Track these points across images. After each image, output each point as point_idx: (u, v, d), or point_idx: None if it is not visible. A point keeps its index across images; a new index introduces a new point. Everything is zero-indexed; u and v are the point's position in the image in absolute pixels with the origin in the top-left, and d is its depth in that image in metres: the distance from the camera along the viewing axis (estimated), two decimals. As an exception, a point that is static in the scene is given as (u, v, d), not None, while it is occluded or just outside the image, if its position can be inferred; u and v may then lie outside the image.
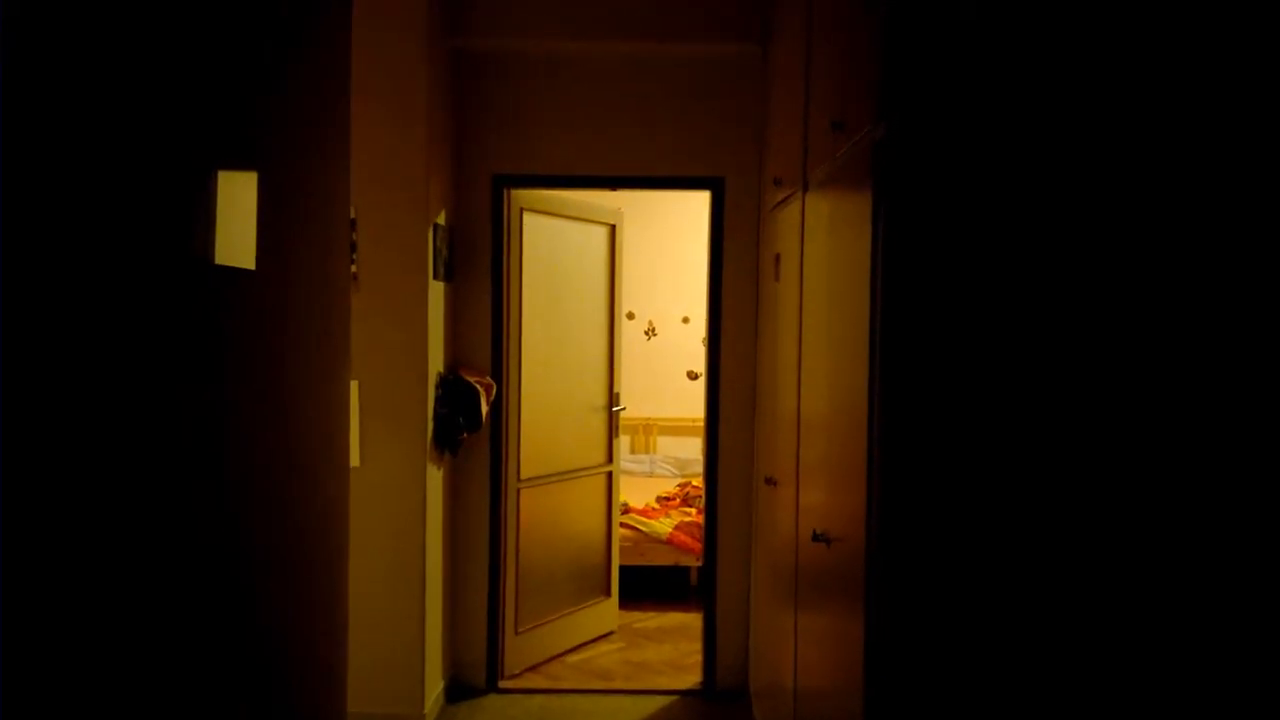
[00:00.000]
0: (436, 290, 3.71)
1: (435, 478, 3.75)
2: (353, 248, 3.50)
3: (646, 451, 7.24)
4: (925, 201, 1.86)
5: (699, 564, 5.22)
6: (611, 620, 4.75)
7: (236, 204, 1.51)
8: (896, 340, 1.86)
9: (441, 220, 3.76)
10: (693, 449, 7.15)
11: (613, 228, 4.68)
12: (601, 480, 4.72)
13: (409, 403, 3.57)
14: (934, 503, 1.86)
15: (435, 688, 3.80)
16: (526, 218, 4.18)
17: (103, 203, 1.14)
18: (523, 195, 4.15)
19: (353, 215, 3.48)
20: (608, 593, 4.76)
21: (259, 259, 1.58)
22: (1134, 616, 1.83)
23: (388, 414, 3.56)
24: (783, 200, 3.22)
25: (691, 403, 7.07)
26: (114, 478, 1.17)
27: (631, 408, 6.85)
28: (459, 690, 4.06)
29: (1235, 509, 1.82)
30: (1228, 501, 1.82)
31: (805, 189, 2.77)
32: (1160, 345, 1.83)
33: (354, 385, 3.51)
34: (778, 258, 3.32)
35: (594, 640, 4.65)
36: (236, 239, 1.51)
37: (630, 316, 7.19)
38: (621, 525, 5.21)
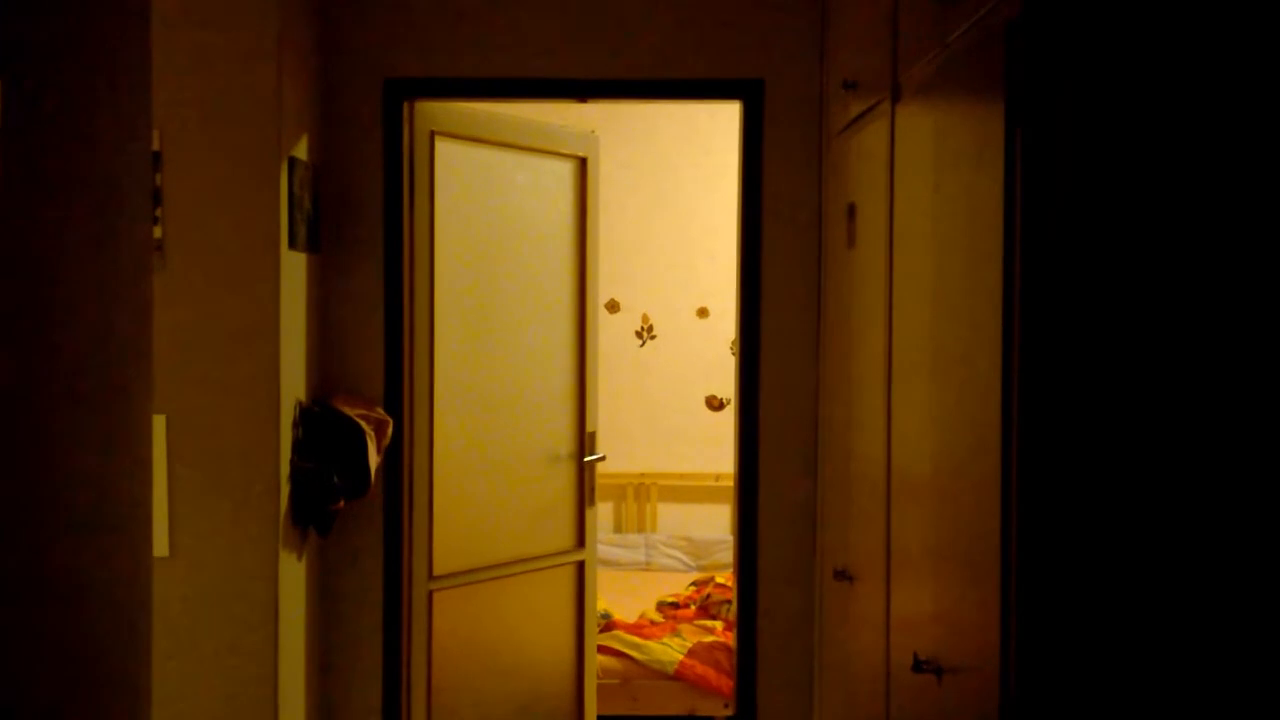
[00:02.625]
0: (294, 266, 3.70)
1: (294, 573, 3.73)
2: (156, 198, 3.47)
3: (640, 529, 7.22)
4: (1092, 117, 1.85)
5: (729, 712, 5.19)
6: (585, 806, 4.74)
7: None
8: (1050, 343, 1.87)
9: (303, 153, 3.75)
10: (715, 524, 7.14)
11: (582, 163, 4.69)
12: (567, 576, 4.71)
13: (248, 451, 3.56)
14: (1112, 610, 1.86)
15: None
16: (443, 148, 4.18)
17: None
18: (436, 112, 4.15)
19: (156, 146, 3.46)
20: (578, 760, 4.74)
21: (-4, 215, 1.56)
22: None
23: (214, 470, 3.55)
24: (860, 116, 3.23)
25: (713, 448, 7.08)
26: None
27: (616, 457, 6.83)
28: None
29: None
30: None
31: (896, 97, 2.78)
32: None
33: (159, 422, 3.49)
34: (852, 209, 3.32)
35: (556, 839, 4.62)
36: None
37: (613, 308, 7.18)
38: (601, 650, 5.20)
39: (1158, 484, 1.87)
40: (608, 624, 5.63)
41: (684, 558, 6.98)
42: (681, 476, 7.21)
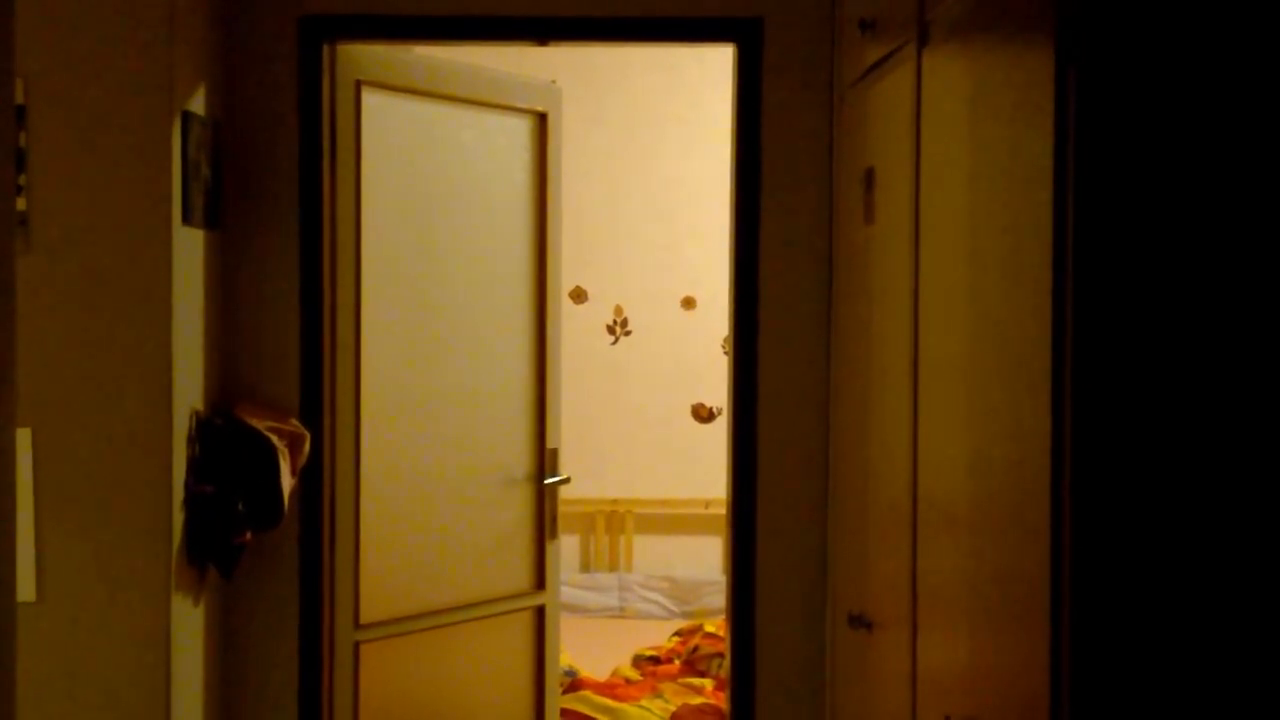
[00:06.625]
0: (190, 245, 3.69)
1: (190, 621, 3.72)
2: (20, 162, 3.44)
3: (613, 567, 7.20)
4: (1161, 54, 1.85)
5: (719, 789, 5.20)
6: None
7: None
8: (1112, 337, 1.87)
9: (200, 108, 3.74)
10: (704, 560, 7.13)
11: (542, 120, 4.69)
12: (524, 624, 4.71)
13: (134, 472, 3.55)
14: (1188, 665, 1.86)
15: None
16: (371, 101, 4.17)
17: None
18: (363, 57, 4.13)
19: (20, 99, 3.43)
20: None
21: None
22: None
23: (92, 495, 3.53)
24: (879, 63, 3.24)
25: (700, 468, 7.07)
26: None
27: (583, 479, 6.81)
28: None
29: None
30: None
31: (923, 40, 2.79)
32: None
33: (23, 436, 3.46)
34: (870, 176, 3.33)
35: None
36: None
37: (579, 297, 7.18)
38: (565, 715, 5.19)
39: (1250, 511, 1.87)
40: (573, 683, 5.61)
41: (666, 602, 6.97)
42: (663, 503, 7.21)
